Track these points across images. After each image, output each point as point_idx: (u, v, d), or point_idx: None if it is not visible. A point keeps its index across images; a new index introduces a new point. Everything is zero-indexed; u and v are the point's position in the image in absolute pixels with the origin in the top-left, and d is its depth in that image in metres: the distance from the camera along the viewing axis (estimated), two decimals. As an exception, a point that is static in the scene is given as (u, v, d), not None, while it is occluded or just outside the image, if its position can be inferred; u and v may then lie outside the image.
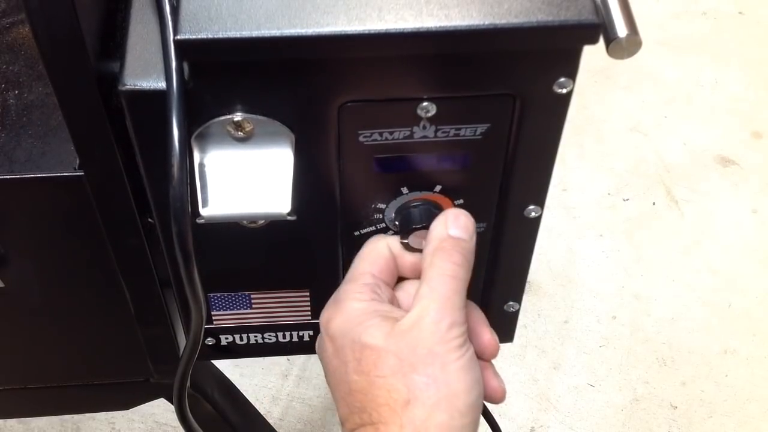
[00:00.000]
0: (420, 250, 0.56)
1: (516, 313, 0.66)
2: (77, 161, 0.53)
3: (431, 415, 0.49)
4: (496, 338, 0.57)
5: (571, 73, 0.49)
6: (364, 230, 0.58)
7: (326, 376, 0.55)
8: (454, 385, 0.50)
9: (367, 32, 0.45)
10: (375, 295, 0.54)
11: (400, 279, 0.58)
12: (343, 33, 0.45)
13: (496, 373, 0.57)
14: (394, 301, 0.56)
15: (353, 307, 0.53)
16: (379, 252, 0.56)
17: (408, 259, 0.56)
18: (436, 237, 0.54)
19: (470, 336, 0.54)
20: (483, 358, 0.56)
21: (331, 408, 1.41)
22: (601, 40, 0.45)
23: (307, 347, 0.67)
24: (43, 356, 0.72)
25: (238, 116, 0.49)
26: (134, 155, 0.52)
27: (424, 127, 0.51)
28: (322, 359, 0.55)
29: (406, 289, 0.57)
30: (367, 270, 0.55)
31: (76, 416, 1.38)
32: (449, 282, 0.52)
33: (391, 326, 0.52)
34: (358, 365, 0.51)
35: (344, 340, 0.52)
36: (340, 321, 0.53)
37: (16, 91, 0.60)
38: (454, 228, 0.54)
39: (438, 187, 0.55)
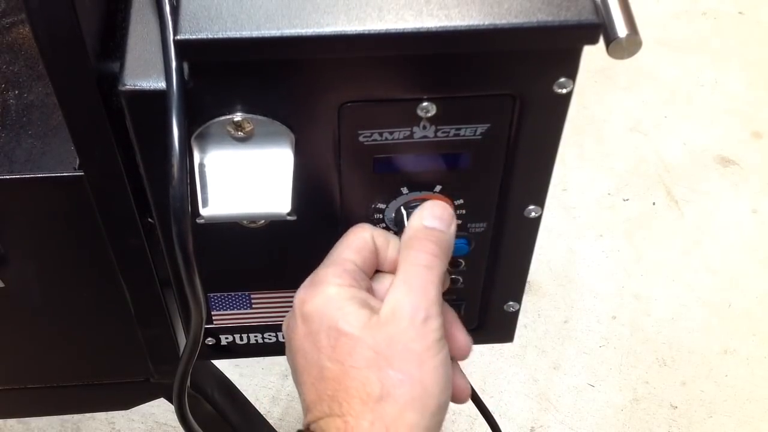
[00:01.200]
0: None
1: (516, 313, 0.66)
2: (77, 161, 0.53)
3: (403, 414, 0.49)
4: (470, 340, 0.57)
5: (571, 73, 0.49)
6: (364, 230, 0.58)
7: (292, 356, 0.54)
8: (428, 385, 0.49)
9: (367, 32, 0.45)
10: (354, 282, 0.53)
11: (377, 272, 0.57)
12: (343, 33, 0.45)
13: (462, 373, 0.57)
14: (371, 292, 0.55)
15: (331, 291, 0.52)
16: (364, 242, 0.55)
17: (390, 254, 0.56)
18: (410, 227, 0.54)
19: (445, 336, 0.53)
20: (454, 358, 0.55)
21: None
22: (601, 40, 0.45)
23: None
24: (43, 356, 0.72)
25: (238, 116, 0.49)
26: (134, 155, 0.52)
27: (424, 127, 0.51)
28: (290, 339, 0.54)
29: (383, 282, 0.56)
30: (350, 258, 0.54)
31: (76, 416, 1.38)
32: (423, 273, 0.51)
33: (369, 315, 0.51)
34: (333, 352, 0.50)
35: (320, 325, 0.51)
36: (316, 303, 0.52)
37: (16, 91, 0.60)
38: (429, 219, 0.53)
39: (438, 187, 0.55)
